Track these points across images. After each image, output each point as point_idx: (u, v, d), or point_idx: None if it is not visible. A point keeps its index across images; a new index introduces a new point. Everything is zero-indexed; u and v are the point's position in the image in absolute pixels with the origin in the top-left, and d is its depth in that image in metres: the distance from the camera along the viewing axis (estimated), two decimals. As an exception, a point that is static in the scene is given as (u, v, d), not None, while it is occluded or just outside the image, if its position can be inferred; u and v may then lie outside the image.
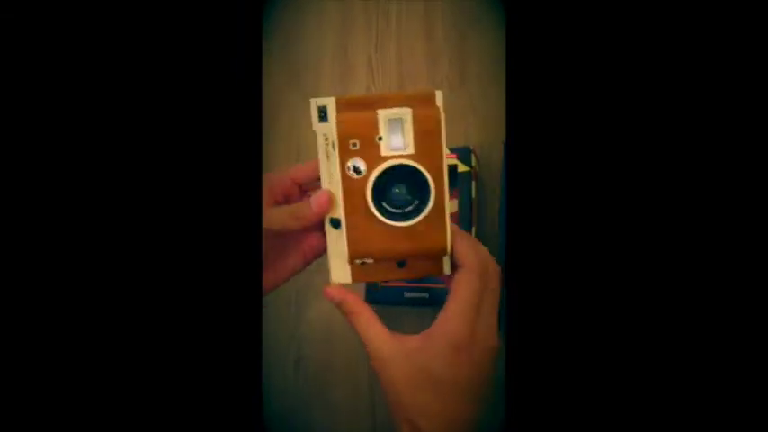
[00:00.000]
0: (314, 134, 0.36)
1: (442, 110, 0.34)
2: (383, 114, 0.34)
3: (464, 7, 0.69)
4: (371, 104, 0.34)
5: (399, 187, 0.35)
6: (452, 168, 0.64)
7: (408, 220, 0.35)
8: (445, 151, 0.34)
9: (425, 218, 0.34)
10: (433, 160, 0.34)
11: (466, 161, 0.63)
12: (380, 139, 0.34)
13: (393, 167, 0.34)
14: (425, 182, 0.34)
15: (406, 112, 0.33)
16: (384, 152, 0.34)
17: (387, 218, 0.35)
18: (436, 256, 0.36)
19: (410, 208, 0.35)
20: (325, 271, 0.37)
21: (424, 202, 0.34)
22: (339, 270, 0.37)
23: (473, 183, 0.63)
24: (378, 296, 0.67)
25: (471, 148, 0.63)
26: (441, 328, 0.33)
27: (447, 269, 0.37)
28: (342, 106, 0.36)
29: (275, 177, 0.39)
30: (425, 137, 0.34)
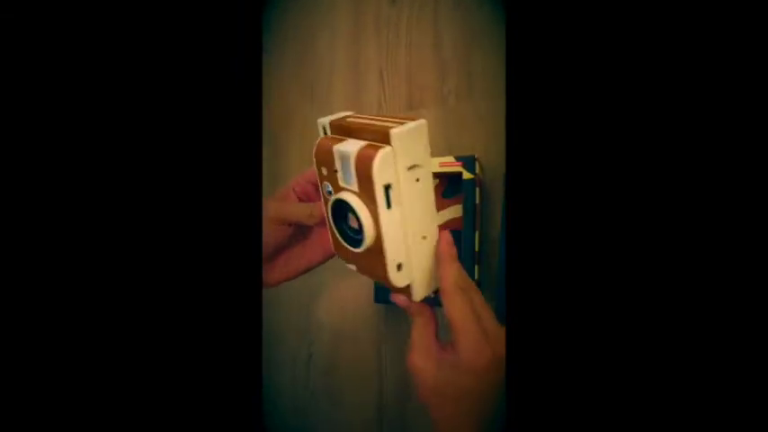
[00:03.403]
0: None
1: (399, 145, 0.31)
2: (336, 150, 0.33)
3: (471, 23, 0.71)
4: (354, 131, 0.34)
5: (350, 216, 0.35)
6: (458, 175, 0.65)
7: (356, 248, 0.35)
8: (380, 191, 0.32)
9: (367, 249, 0.34)
10: (370, 199, 0.33)
11: (470, 169, 0.64)
12: (336, 171, 0.34)
13: (339, 200, 0.35)
14: (359, 219, 0.34)
15: (351, 152, 0.32)
16: (341, 183, 0.34)
17: (342, 238, 0.37)
18: (386, 282, 0.36)
19: (358, 237, 0.35)
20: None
21: (363, 237, 0.34)
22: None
23: (477, 189, 0.64)
24: (385, 295, 0.67)
25: (476, 156, 0.64)
26: (463, 355, 0.35)
27: (415, 296, 0.37)
28: (333, 128, 0.36)
29: (298, 178, 0.44)
30: (362, 177, 0.32)
